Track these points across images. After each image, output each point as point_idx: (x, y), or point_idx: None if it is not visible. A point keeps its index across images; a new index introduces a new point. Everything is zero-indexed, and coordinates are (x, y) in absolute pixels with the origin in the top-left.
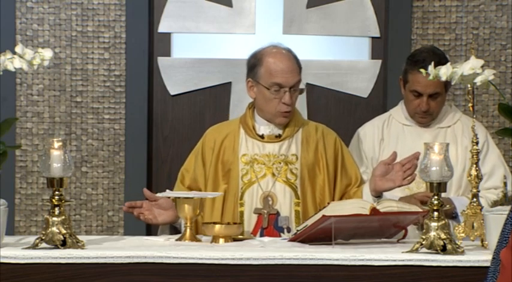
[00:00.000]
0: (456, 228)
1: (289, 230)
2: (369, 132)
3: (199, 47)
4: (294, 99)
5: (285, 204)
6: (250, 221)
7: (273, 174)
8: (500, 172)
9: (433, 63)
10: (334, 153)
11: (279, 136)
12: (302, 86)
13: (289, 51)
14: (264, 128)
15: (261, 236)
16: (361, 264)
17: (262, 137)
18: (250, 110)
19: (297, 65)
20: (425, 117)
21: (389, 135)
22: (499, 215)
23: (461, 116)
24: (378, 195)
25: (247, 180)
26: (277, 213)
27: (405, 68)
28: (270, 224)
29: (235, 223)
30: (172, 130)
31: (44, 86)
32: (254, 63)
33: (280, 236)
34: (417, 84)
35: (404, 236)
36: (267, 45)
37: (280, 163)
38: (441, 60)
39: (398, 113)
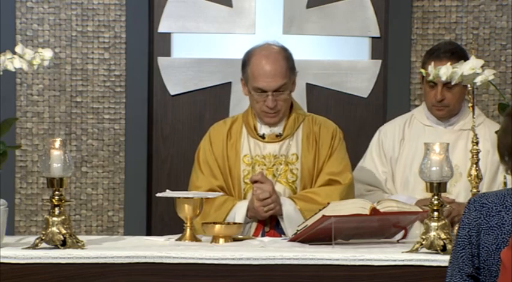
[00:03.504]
0: (456, 228)
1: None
2: (390, 131)
3: (199, 47)
4: (280, 102)
5: None
6: (252, 223)
7: (274, 175)
8: None
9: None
10: (329, 145)
11: (280, 135)
12: (292, 87)
13: (281, 51)
14: (264, 127)
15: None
16: (361, 264)
17: (263, 136)
18: (252, 108)
19: (284, 66)
20: (442, 110)
21: (410, 134)
22: None
23: (485, 120)
24: None
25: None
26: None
27: (422, 61)
28: (271, 227)
29: (235, 223)
30: (172, 130)
31: (44, 86)
32: (244, 62)
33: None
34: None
35: (404, 236)
36: (260, 44)
37: (280, 164)
38: (456, 49)
39: (420, 113)
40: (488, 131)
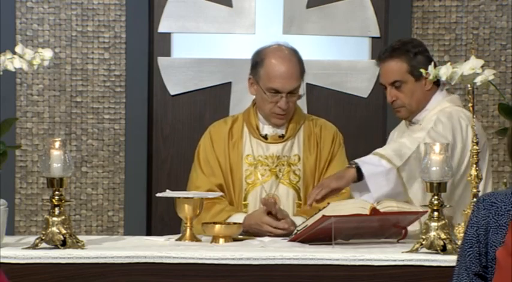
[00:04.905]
0: (456, 228)
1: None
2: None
3: (199, 47)
4: (291, 104)
5: (287, 206)
6: None
7: (277, 176)
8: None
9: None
10: (330, 147)
11: (283, 136)
12: (302, 91)
13: (293, 53)
14: (267, 127)
15: None
16: (361, 264)
17: (265, 137)
18: (254, 108)
19: (298, 68)
20: (399, 111)
21: (392, 137)
22: None
23: (447, 107)
24: None
25: (251, 181)
26: None
27: None
28: None
29: (235, 223)
30: (172, 130)
31: (44, 86)
32: (256, 61)
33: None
34: (380, 78)
35: (404, 236)
36: (272, 44)
37: (283, 165)
38: (400, 44)
39: None
40: (442, 113)
